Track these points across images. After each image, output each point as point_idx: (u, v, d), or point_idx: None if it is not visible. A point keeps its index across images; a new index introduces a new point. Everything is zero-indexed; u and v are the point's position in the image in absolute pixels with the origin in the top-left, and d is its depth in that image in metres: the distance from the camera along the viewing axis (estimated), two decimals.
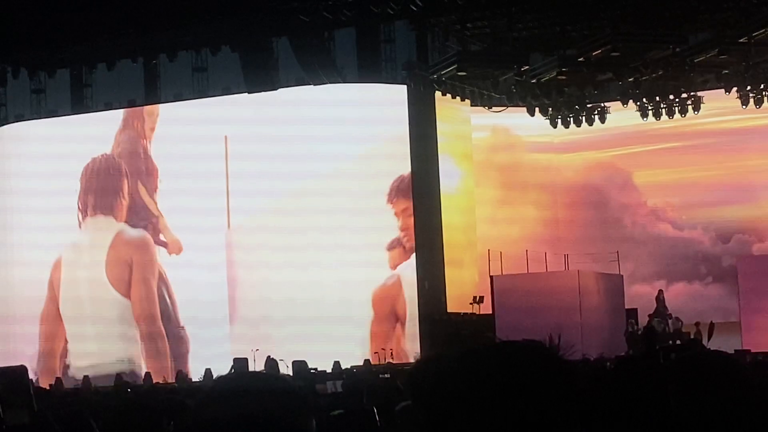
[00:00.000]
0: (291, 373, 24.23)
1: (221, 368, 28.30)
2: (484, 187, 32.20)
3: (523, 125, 33.02)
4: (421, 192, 29.45)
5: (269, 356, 25.64)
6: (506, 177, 32.95)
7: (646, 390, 4.40)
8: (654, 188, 32.87)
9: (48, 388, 26.18)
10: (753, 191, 31.40)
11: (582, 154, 33.45)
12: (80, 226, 31.56)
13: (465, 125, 31.96)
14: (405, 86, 29.99)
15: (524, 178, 33.07)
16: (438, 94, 30.23)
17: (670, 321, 28.30)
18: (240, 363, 25.47)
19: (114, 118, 32.09)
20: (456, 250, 30.61)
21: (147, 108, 31.99)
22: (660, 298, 29.42)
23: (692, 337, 26.89)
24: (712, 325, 27.02)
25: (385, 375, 22.93)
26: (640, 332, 27.42)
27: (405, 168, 29.32)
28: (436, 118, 29.99)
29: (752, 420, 3.38)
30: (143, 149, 31.47)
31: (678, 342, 26.59)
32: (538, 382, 1.89)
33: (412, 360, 26.91)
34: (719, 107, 31.37)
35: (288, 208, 29.57)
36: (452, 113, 31.34)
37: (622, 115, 32.13)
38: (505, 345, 1.98)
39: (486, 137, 32.76)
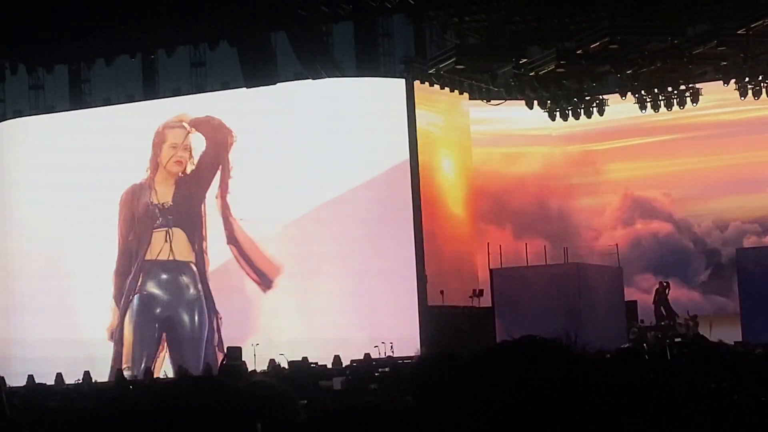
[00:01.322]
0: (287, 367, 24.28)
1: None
2: (482, 180, 32.20)
3: (521, 118, 32.99)
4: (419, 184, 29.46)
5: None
6: (504, 169, 32.95)
7: (644, 378, 4.41)
8: (652, 180, 32.84)
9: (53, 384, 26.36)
10: (751, 182, 31.39)
11: (580, 146, 33.42)
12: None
13: (463, 118, 31.97)
14: (403, 80, 29.98)
15: (522, 170, 33.07)
16: (437, 87, 30.26)
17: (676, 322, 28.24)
18: (233, 351, 25.49)
19: (112, 114, 32.07)
20: (454, 242, 30.63)
21: None
22: (660, 291, 29.36)
23: (690, 331, 26.85)
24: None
25: (385, 369, 22.94)
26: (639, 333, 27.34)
27: (404, 161, 29.32)
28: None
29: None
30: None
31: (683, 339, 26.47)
32: (563, 382, 1.87)
33: (412, 354, 26.92)
34: (717, 99, 31.35)
35: (286, 201, 29.57)
36: (449, 106, 31.36)
37: (621, 108, 32.11)
38: (524, 344, 1.95)
39: (484, 130, 32.74)
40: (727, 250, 31.14)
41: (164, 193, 31.07)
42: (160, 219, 30.94)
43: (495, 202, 32.43)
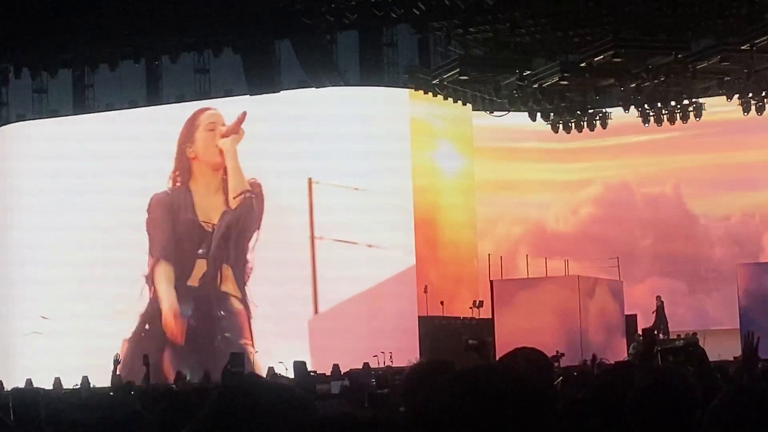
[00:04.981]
0: (292, 374, 24.21)
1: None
2: (484, 189, 32.22)
3: (525, 129, 33.03)
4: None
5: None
6: (507, 179, 32.98)
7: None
8: (655, 179, 32.91)
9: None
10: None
11: (584, 156, 33.46)
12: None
13: (466, 127, 32.03)
14: (407, 90, 30.02)
15: (525, 180, 33.09)
16: (440, 97, 30.32)
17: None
18: (236, 358, 25.37)
19: (115, 120, 32.10)
20: (456, 254, 30.63)
21: None
22: (659, 306, 29.32)
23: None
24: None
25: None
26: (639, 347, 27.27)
27: (406, 170, 29.36)
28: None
29: None
30: None
31: (677, 345, 26.40)
32: (523, 414, 1.86)
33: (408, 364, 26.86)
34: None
35: (287, 207, 29.58)
36: (452, 116, 31.42)
37: (624, 121, 32.12)
38: (492, 373, 1.92)
39: (487, 140, 32.77)
40: (727, 261, 31.07)
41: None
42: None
43: (496, 211, 32.44)
